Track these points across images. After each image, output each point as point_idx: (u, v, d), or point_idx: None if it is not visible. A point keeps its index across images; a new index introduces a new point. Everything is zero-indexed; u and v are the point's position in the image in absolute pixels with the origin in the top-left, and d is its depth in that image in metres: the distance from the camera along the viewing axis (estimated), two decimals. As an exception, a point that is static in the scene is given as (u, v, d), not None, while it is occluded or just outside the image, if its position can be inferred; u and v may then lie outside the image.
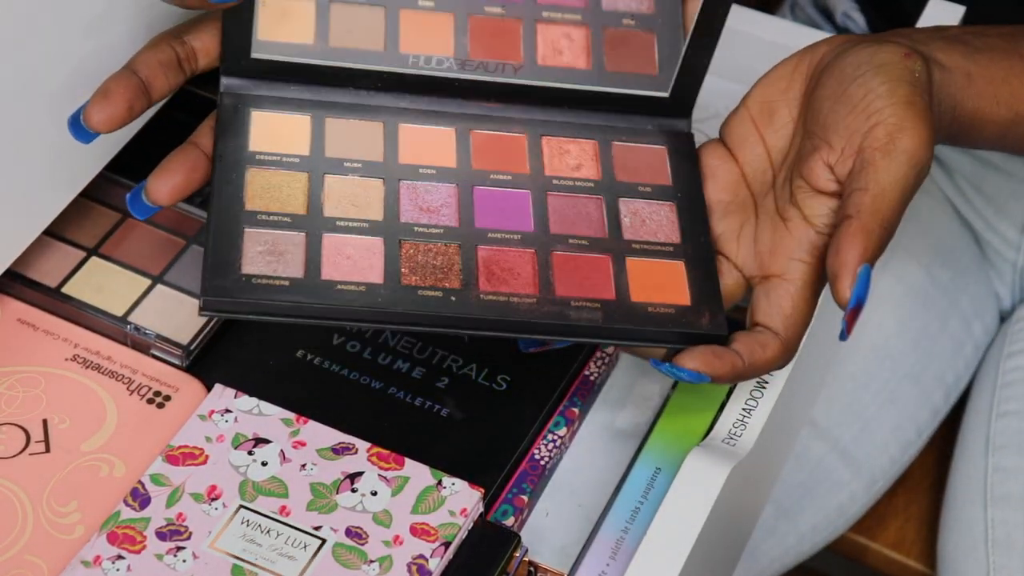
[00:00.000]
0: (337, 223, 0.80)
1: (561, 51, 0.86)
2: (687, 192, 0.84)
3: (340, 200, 0.81)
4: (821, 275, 0.80)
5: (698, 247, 0.83)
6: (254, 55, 0.83)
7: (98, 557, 0.78)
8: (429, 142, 0.84)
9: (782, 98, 0.83)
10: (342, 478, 0.81)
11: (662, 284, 0.81)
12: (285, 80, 0.84)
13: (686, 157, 0.86)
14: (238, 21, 0.81)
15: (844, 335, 0.77)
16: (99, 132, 0.78)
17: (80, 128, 0.79)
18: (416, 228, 0.81)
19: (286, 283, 0.77)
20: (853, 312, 0.76)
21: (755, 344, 0.79)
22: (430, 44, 0.85)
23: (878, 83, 0.79)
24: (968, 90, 0.82)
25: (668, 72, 0.87)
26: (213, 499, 0.80)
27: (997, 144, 0.85)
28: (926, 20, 1.02)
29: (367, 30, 0.85)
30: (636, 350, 0.87)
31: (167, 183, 0.80)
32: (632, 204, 0.84)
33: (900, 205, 0.78)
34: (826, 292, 0.81)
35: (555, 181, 0.84)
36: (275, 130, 0.83)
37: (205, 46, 0.82)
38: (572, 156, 0.86)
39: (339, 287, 0.78)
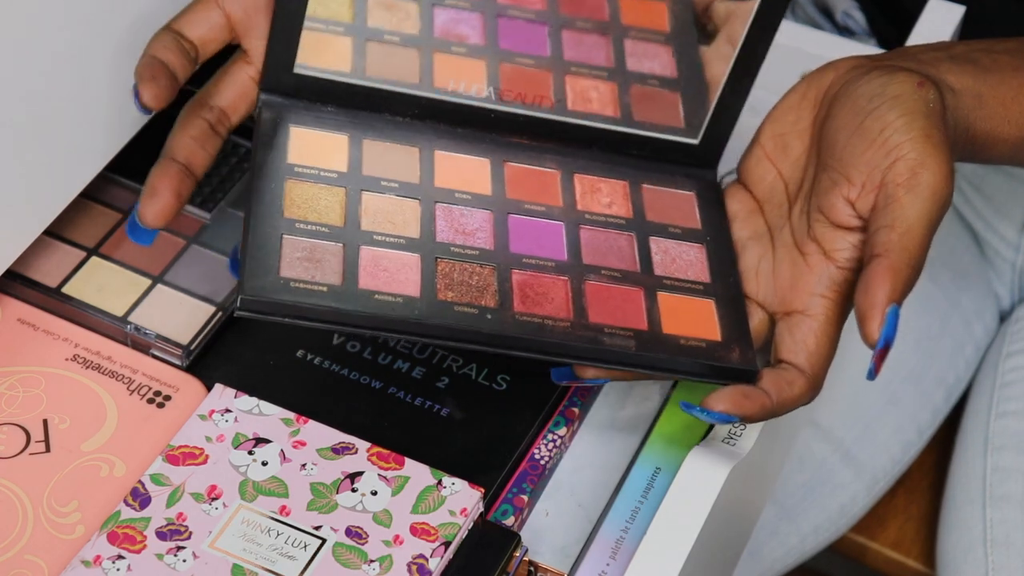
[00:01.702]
0: (374, 237, 0.81)
1: (590, 100, 0.88)
2: (716, 236, 0.85)
3: (377, 215, 0.82)
4: (843, 310, 0.80)
5: (727, 287, 0.83)
6: (296, 71, 0.84)
7: (98, 557, 0.78)
8: (464, 169, 0.86)
9: (793, 130, 0.83)
10: (342, 478, 0.81)
11: (693, 320, 0.82)
12: (323, 101, 0.86)
13: (714, 203, 0.87)
14: (284, 37, 0.83)
15: (872, 375, 0.78)
16: (156, 228, 0.82)
17: (138, 229, 0.82)
18: (452, 248, 0.82)
19: (324, 289, 0.78)
20: (882, 353, 0.77)
21: (783, 382, 0.80)
22: (464, 81, 0.86)
23: (895, 116, 0.79)
24: (979, 111, 0.82)
25: (695, 124, 0.88)
26: (213, 499, 0.80)
27: (1009, 161, 0.85)
28: (926, 20, 1.01)
29: (402, 66, 0.87)
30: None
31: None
32: (663, 243, 0.85)
33: (926, 241, 0.78)
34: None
35: (587, 216, 0.85)
36: (313, 146, 0.85)
37: (233, 103, 0.85)
38: (604, 194, 0.87)
39: (377, 297, 0.78)
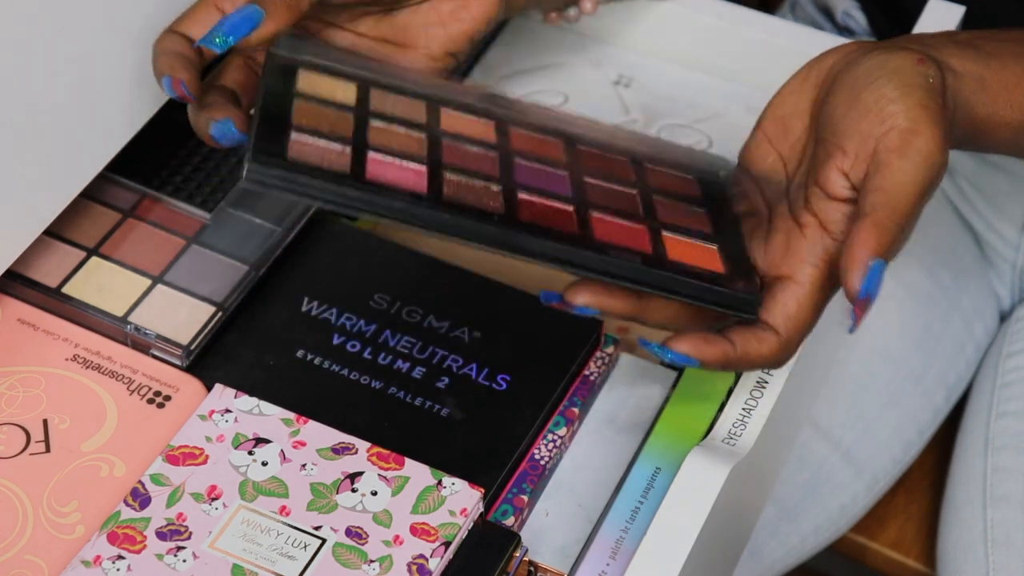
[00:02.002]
0: (382, 149, 0.80)
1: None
2: (717, 208, 0.85)
3: (385, 137, 0.81)
4: (832, 282, 0.80)
5: (730, 238, 0.83)
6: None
7: (98, 557, 0.78)
8: (470, 123, 0.85)
9: (794, 112, 0.83)
10: (342, 478, 0.81)
11: (697, 255, 0.81)
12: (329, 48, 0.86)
13: (715, 184, 0.88)
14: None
15: (853, 327, 0.77)
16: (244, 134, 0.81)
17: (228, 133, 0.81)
18: (459, 166, 0.81)
19: (331, 172, 0.77)
20: (862, 304, 0.76)
21: (751, 336, 0.79)
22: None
23: (891, 88, 0.79)
24: (981, 95, 0.82)
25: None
26: (213, 499, 0.80)
27: (1011, 148, 0.85)
28: (926, 20, 1.02)
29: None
30: (649, 311, 0.85)
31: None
32: (666, 201, 0.85)
33: (916, 204, 0.78)
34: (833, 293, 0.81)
35: (591, 170, 0.86)
36: (322, 85, 0.84)
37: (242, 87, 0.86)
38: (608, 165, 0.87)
39: (383, 186, 0.77)
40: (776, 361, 0.80)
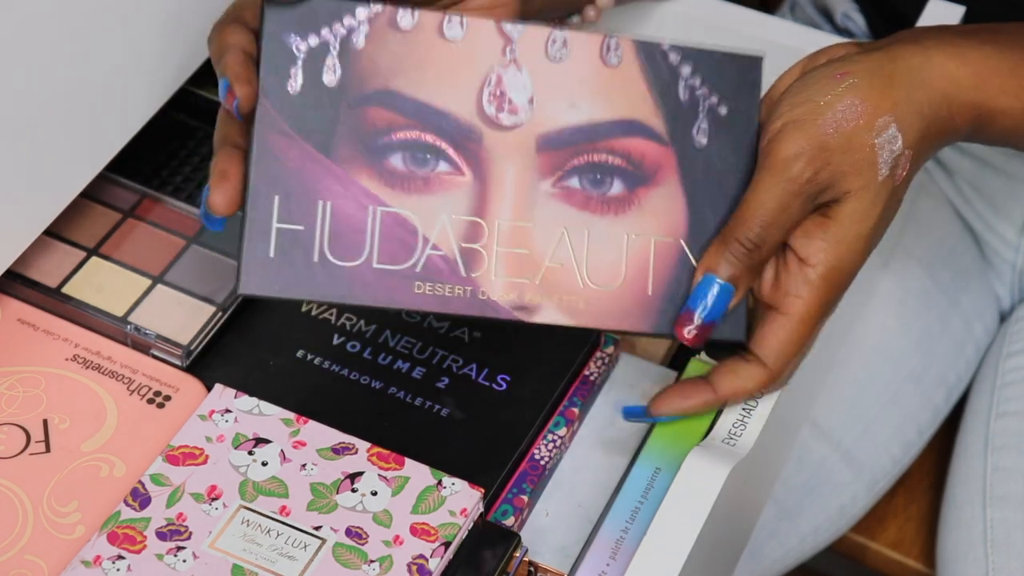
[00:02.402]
0: None
1: None
2: None
3: None
4: (818, 311, 0.81)
5: None
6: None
7: (98, 557, 0.78)
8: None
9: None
10: (342, 478, 0.81)
11: None
12: None
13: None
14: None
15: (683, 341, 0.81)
16: (228, 215, 0.78)
17: (211, 217, 0.79)
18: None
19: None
20: (683, 317, 0.80)
21: (733, 376, 0.82)
22: None
23: (786, 108, 0.81)
24: (982, 85, 0.82)
25: None
26: (213, 499, 0.80)
27: (1014, 136, 0.85)
28: (925, 20, 1.02)
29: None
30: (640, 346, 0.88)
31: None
32: None
33: (769, 216, 0.80)
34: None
35: None
36: None
37: None
38: None
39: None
40: (766, 391, 0.83)
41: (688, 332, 0.80)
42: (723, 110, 0.82)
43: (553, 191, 0.80)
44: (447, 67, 0.79)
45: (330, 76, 0.78)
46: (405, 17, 0.79)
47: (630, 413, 0.85)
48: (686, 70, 0.82)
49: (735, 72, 0.82)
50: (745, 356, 0.82)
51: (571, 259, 0.80)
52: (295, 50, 0.78)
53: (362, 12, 0.79)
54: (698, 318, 0.80)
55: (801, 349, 0.82)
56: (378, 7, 0.79)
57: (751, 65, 0.82)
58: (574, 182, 0.81)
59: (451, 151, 0.80)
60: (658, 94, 0.81)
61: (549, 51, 0.80)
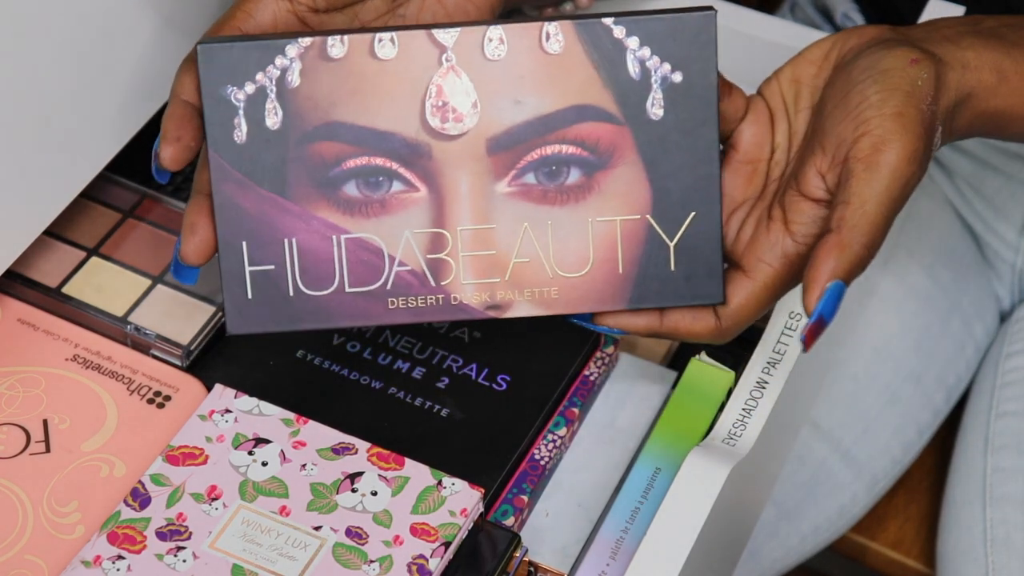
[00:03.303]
0: None
1: None
2: None
3: None
4: (784, 282, 0.80)
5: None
6: None
7: (98, 557, 0.78)
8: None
9: (810, 83, 0.82)
10: (342, 478, 0.81)
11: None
12: None
13: None
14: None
15: (803, 348, 0.78)
16: (200, 265, 0.80)
17: (182, 269, 0.81)
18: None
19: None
20: (814, 327, 0.76)
21: (684, 311, 0.81)
22: None
23: (873, 92, 0.78)
24: (999, 88, 0.81)
25: None
26: (213, 499, 0.80)
27: None
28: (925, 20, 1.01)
29: None
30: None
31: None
32: None
33: (883, 220, 0.77)
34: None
35: None
36: None
37: None
38: None
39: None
40: (711, 341, 0.82)
41: (813, 342, 0.78)
42: (677, 77, 0.81)
43: (509, 190, 0.80)
44: (385, 88, 0.80)
45: (272, 119, 0.79)
46: (335, 46, 0.80)
47: (578, 319, 0.83)
48: (633, 42, 0.81)
49: (687, 34, 0.81)
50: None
51: (537, 253, 0.80)
52: (234, 100, 0.79)
53: (292, 49, 0.79)
54: (827, 325, 0.77)
55: (757, 315, 0.81)
56: (307, 41, 0.79)
57: (703, 22, 0.81)
58: (529, 178, 0.81)
59: (402, 170, 0.80)
60: (606, 73, 0.81)
61: (486, 51, 0.80)
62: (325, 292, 0.80)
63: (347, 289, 0.80)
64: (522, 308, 0.81)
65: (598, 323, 0.81)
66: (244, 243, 0.79)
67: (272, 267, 0.79)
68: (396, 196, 0.80)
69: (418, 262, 0.80)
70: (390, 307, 0.80)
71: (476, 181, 0.80)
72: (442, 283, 0.80)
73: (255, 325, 0.80)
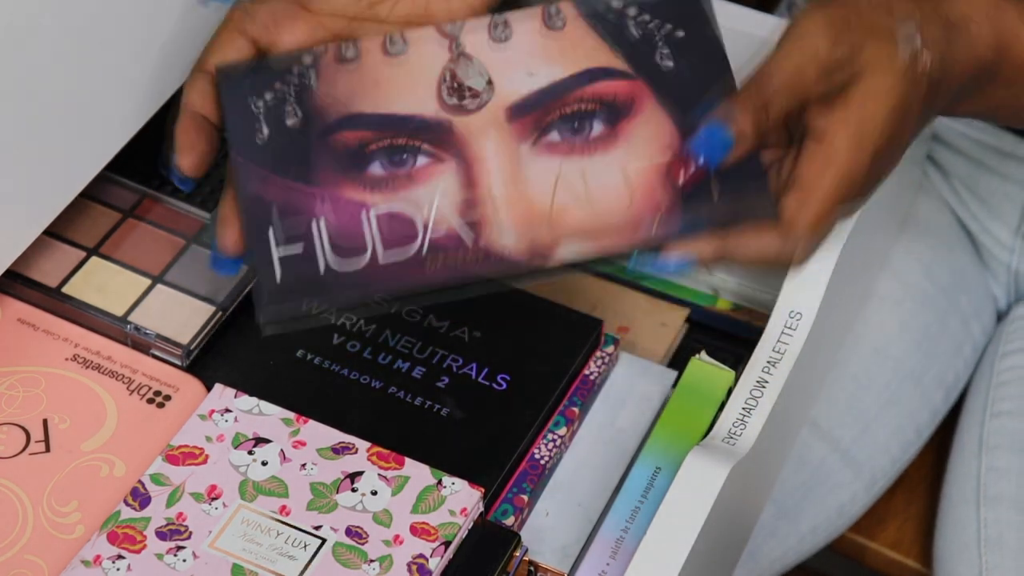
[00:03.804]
0: None
1: None
2: None
3: None
4: (837, 188, 0.81)
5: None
6: None
7: (98, 557, 0.78)
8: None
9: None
10: (342, 478, 0.81)
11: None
12: None
13: None
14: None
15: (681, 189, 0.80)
16: (234, 255, 0.81)
17: (220, 261, 0.81)
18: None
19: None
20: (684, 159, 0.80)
21: (749, 233, 0.81)
22: None
23: None
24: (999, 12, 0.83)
25: None
26: (213, 499, 0.80)
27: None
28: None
29: None
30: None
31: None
32: None
33: (781, 80, 0.79)
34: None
35: None
36: None
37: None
38: None
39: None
40: (776, 259, 0.82)
41: (683, 175, 0.80)
42: (680, 33, 0.84)
43: (536, 149, 0.81)
44: (401, 79, 0.82)
45: (293, 119, 0.81)
46: (349, 49, 0.82)
47: (642, 264, 0.82)
48: (632, 11, 0.84)
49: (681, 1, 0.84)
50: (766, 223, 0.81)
51: (575, 198, 0.81)
52: (255, 108, 0.81)
53: (307, 57, 0.82)
54: (696, 159, 0.79)
55: (820, 226, 0.81)
56: (321, 48, 0.82)
57: None
58: (554, 136, 0.82)
59: (426, 145, 0.81)
60: (611, 39, 0.83)
61: (493, 35, 0.83)
62: (358, 265, 0.79)
63: (380, 260, 0.79)
64: (568, 250, 0.80)
65: (667, 255, 0.80)
66: (270, 229, 0.79)
67: (301, 247, 0.79)
68: (423, 169, 0.81)
69: (452, 225, 0.80)
70: (428, 269, 0.79)
71: (501, 145, 0.81)
72: (480, 241, 0.80)
73: (287, 310, 0.78)
